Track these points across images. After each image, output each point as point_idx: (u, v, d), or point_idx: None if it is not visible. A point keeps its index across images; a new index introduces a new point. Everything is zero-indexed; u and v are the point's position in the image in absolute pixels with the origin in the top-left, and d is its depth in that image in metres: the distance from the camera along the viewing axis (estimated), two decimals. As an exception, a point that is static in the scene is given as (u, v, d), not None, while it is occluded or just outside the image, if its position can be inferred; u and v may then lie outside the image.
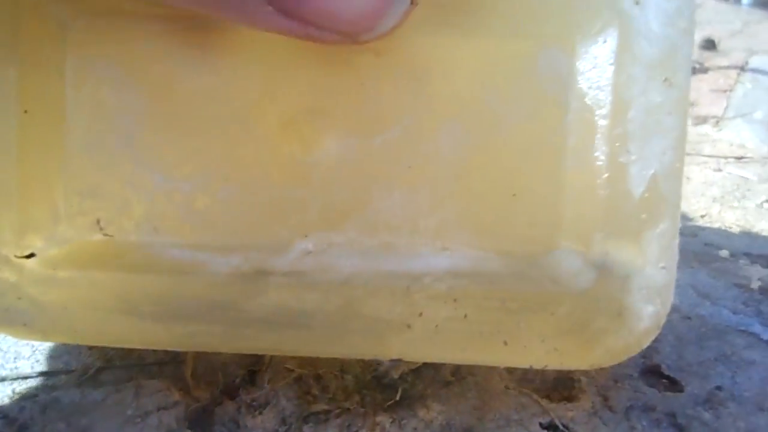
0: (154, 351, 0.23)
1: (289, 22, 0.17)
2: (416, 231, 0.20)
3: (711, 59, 0.68)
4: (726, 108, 0.55)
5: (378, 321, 0.19)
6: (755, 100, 0.56)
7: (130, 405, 0.21)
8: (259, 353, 0.20)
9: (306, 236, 0.20)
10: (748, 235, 0.35)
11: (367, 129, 0.20)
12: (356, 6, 0.16)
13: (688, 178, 0.42)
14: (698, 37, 0.73)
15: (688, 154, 0.45)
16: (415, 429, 0.20)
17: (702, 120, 0.53)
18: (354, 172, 0.20)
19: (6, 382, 0.22)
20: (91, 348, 0.23)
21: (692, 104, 0.56)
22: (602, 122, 0.19)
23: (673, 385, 0.23)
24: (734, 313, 0.27)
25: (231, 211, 0.20)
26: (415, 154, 0.20)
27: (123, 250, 0.20)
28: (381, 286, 0.19)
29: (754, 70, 0.64)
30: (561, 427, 0.21)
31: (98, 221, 0.20)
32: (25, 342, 0.24)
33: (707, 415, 0.21)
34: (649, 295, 0.19)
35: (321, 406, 0.21)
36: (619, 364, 0.20)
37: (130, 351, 0.23)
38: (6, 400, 0.21)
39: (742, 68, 0.64)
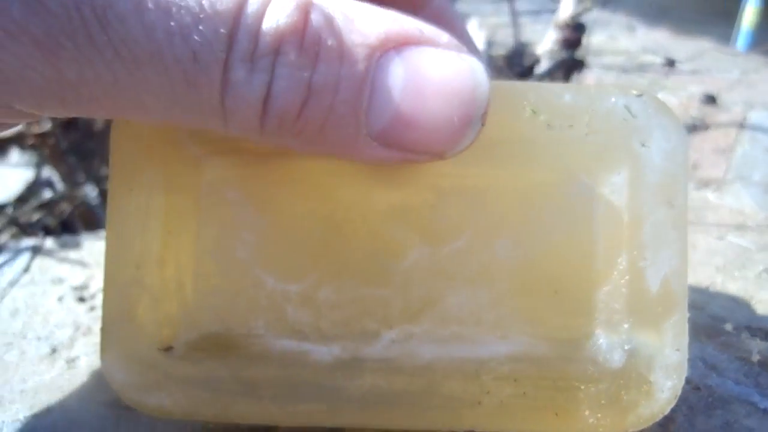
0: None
1: (389, 152, 0.20)
2: (480, 322, 0.24)
3: (711, 115, 0.68)
4: (726, 170, 0.56)
5: (453, 399, 0.24)
6: (753, 161, 0.57)
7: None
8: (357, 427, 0.24)
9: (391, 328, 0.25)
10: (748, 307, 0.37)
11: (437, 240, 0.25)
12: (446, 132, 0.20)
13: (694, 246, 0.43)
14: (699, 91, 0.76)
15: (693, 223, 0.47)
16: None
17: (704, 184, 0.54)
18: (428, 274, 0.24)
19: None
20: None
21: (695, 167, 0.57)
22: (622, 235, 0.24)
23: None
24: (737, 383, 0.30)
25: (330, 308, 0.25)
26: (476, 261, 0.25)
27: (241, 341, 0.25)
28: (455, 370, 0.24)
29: (753, 128, 0.65)
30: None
31: (221, 317, 0.25)
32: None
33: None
34: (668, 372, 0.23)
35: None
36: (642, 431, 0.24)
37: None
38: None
39: (741, 125, 0.65)
